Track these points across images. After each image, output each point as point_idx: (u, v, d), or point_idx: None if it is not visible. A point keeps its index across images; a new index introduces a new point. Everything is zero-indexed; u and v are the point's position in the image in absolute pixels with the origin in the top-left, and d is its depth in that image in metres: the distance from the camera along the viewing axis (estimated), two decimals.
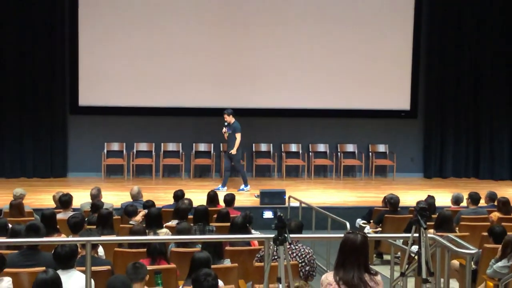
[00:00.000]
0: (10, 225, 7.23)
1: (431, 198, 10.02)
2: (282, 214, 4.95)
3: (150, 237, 7.07)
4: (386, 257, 8.95)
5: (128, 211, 8.45)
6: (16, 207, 8.78)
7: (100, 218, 7.59)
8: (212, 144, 14.50)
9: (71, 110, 14.30)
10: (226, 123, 12.91)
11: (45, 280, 4.75)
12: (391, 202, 9.42)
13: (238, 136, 12.88)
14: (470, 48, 15.00)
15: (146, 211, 8.48)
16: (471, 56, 15.03)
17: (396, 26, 14.90)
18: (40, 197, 11.95)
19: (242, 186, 13.04)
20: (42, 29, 13.90)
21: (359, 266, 4.20)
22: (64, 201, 8.97)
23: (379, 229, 9.24)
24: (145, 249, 6.38)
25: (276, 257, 4.92)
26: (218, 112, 14.21)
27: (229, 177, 13.31)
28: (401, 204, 9.86)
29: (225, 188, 12.83)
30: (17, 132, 13.98)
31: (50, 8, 13.91)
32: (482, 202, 10.07)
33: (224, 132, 12.92)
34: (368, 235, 5.14)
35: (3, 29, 13.76)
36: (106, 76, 14.23)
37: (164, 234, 7.59)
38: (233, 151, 12.89)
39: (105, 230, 7.36)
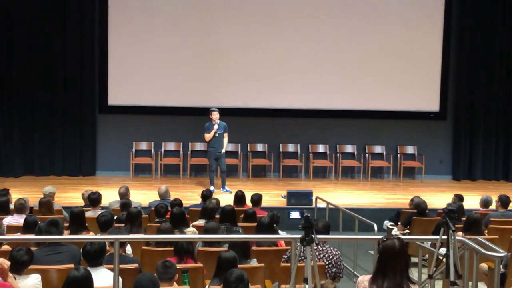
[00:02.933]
0: (39, 223, 7.30)
1: (459, 199, 9.92)
2: (309, 215, 4.95)
3: (178, 235, 7.10)
4: (414, 259, 8.88)
5: (158, 212, 8.40)
6: (45, 204, 8.87)
7: (129, 216, 7.64)
8: (239, 144, 14.52)
9: (100, 109, 14.42)
10: (216, 122, 12.50)
11: (76, 277, 4.79)
12: (419, 209, 9.32)
13: (226, 135, 12.74)
14: (501, 48, 14.83)
15: None
16: (502, 56, 14.87)
17: (426, 26, 14.80)
18: (69, 195, 12.07)
19: (227, 187, 12.86)
20: (73, 29, 14.03)
21: (401, 271, 4.09)
22: (93, 199, 9.05)
23: (407, 231, 9.18)
24: (172, 248, 6.40)
25: (303, 257, 4.91)
26: (246, 112, 14.35)
27: (215, 177, 13.09)
28: (430, 206, 9.80)
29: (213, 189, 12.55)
30: (47, 131, 14.14)
31: (80, 8, 14.04)
32: None
33: (214, 131, 12.51)
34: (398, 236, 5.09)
35: (34, 29, 13.91)
36: (135, 76, 14.33)
37: (191, 233, 7.62)
38: (224, 150, 12.75)
39: (133, 228, 7.41)
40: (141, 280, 4.86)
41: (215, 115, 12.54)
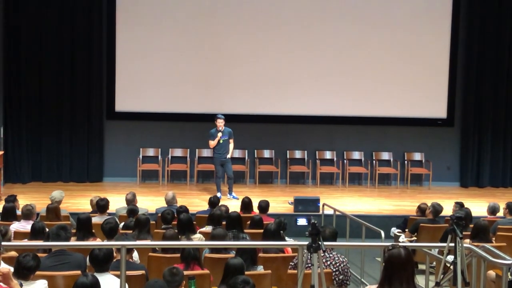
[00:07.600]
0: (47, 229, 7.30)
1: (460, 206, 9.88)
2: (316, 222, 4.93)
3: (185, 242, 7.10)
4: (421, 266, 8.85)
5: (165, 218, 8.40)
6: (53, 211, 8.88)
7: (137, 223, 7.64)
8: (247, 151, 14.52)
9: (107, 116, 14.45)
10: (220, 129, 12.54)
11: (85, 284, 4.79)
12: (434, 211, 9.32)
13: (232, 141, 12.77)
14: (509, 55, 14.80)
15: None
16: (510, 62, 14.84)
17: (433, 33, 14.77)
18: (76, 201, 12.09)
19: (233, 194, 12.87)
20: (81, 35, 14.07)
21: (407, 280, 4.07)
22: (102, 206, 9.07)
23: (414, 238, 9.15)
24: (178, 254, 6.39)
25: (310, 264, 4.90)
26: (253, 119, 14.34)
27: (222, 183, 13.10)
28: None
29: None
30: (54, 137, 14.17)
31: (88, 15, 14.08)
32: None
33: (219, 138, 12.57)
34: (403, 244, 5.08)
35: (43, 37, 13.95)
36: (143, 82, 14.36)
37: (198, 240, 7.61)
38: (230, 156, 12.75)
39: (141, 235, 7.41)
40: (153, 287, 4.85)
41: (220, 123, 12.57)
